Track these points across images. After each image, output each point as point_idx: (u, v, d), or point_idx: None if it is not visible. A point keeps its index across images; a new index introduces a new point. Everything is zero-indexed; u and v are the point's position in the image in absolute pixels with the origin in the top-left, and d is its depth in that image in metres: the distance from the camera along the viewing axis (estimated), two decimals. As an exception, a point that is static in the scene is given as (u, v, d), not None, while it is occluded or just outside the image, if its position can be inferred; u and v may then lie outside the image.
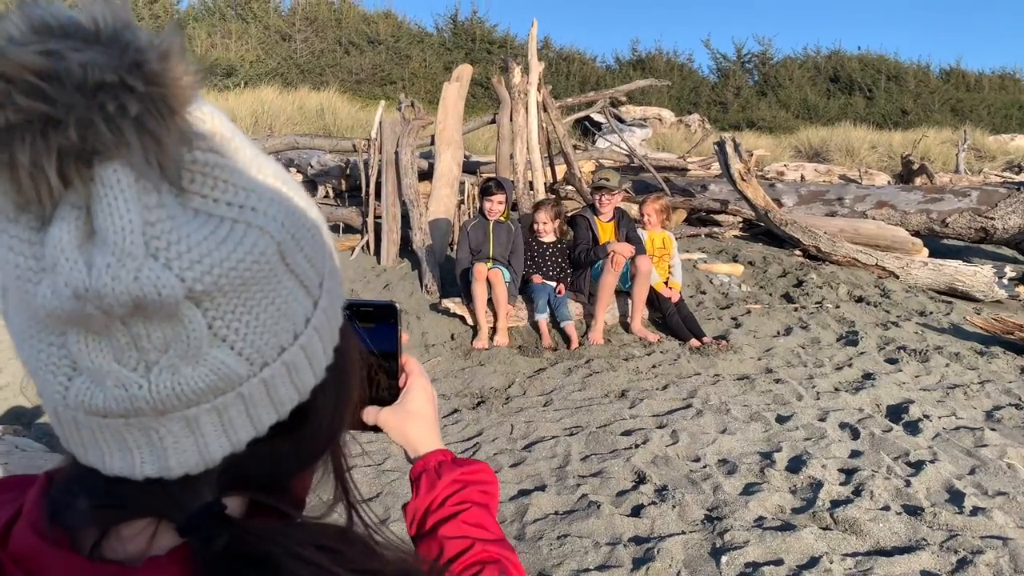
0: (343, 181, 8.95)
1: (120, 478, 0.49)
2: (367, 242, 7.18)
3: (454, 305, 5.71)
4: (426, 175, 7.65)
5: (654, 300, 5.86)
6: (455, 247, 6.20)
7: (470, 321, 5.66)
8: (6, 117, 0.39)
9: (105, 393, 0.45)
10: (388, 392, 0.86)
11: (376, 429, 0.87)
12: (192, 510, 0.49)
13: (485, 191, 5.88)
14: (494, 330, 5.55)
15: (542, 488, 3.37)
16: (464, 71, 7.62)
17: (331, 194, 9.14)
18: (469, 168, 8.70)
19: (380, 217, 7.07)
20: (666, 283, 5.99)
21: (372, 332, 0.82)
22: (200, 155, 0.44)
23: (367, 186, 7.29)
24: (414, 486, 0.86)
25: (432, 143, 7.56)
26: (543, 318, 5.62)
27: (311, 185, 9.57)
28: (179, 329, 0.45)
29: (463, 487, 0.84)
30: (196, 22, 23.41)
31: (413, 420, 0.86)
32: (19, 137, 0.39)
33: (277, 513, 0.53)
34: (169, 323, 0.44)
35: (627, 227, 5.97)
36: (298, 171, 9.75)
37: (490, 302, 5.55)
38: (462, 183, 7.42)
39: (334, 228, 7.85)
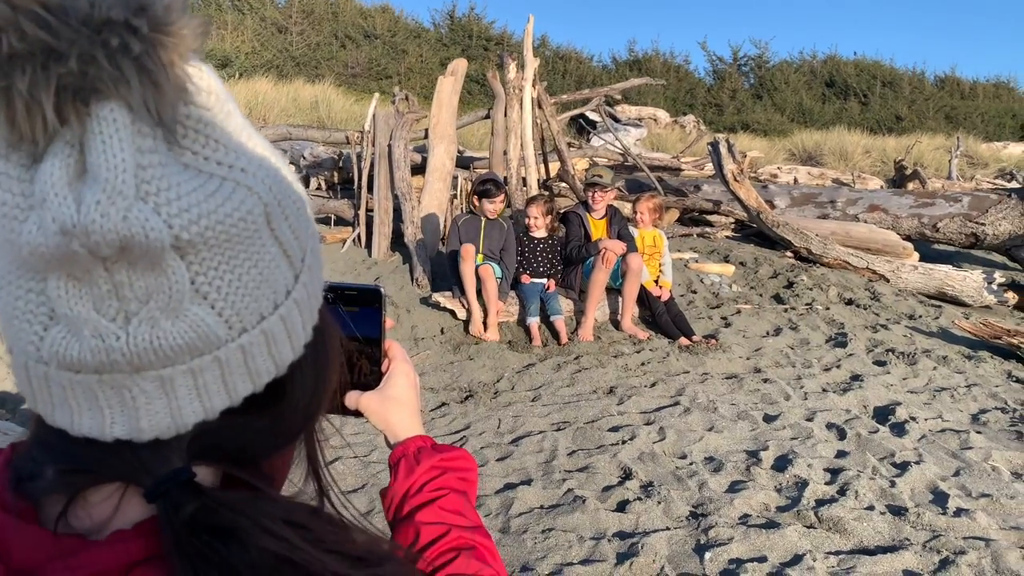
0: (336, 173, 8.92)
1: (88, 441, 0.48)
2: (359, 235, 7.15)
3: (444, 299, 5.70)
4: (419, 169, 7.63)
5: (644, 298, 5.87)
6: (446, 241, 6.18)
7: (460, 315, 5.64)
8: (9, 44, 0.39)
9: (81, 344, 0.45)
10: (370, 377, 0.85)
11: (357, 414, 0.86)
12: (161, 475, 0.48)
13: (484, 193, 5.81)
14: (485, 323, 5.54)
15: (528, 482, 3.36)
16: (459, 65, 7.60)
17: (323, 186, 9.11)
18: (463, 163, 8.68)
19: (372, 210, 7.05)
20: (656, 281, 5.99)
21: (356, 316, 0.82)
22: (195, 111, 0.45)
23: (359, 179, 7.27)
24: (392, 471, 0.85)
25: (426, 137, 7.54)
26: (534, 321, 5.61)
27: (304, 177, 9.54)
28: (162, 280, 0.44)
29: (442, 473, 0.83)
30: (192, 12, 23.31)
31: (394, 405, 0.85)
32: (20, 67, 0.39)
33: (250, 489, 0.52)
34: (152, 272, 0.44)
35: (619, 224, 5.97)
36: (291, 162, 9.70)
37: (479, 294, 5.54)
38: (455, 178, 7.41)
39: (326, 220, 7.82)
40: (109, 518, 0.50)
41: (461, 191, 7.36)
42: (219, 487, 0.53)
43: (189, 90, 0.44)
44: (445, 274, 5.95)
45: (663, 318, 5.73)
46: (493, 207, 5.78)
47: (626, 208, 7.01)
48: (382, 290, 0.82)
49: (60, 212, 0.41)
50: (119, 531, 0.49)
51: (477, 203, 5.89)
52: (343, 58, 23.20)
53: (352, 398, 0.84)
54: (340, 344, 0.67)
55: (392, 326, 0.89)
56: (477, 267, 5.51)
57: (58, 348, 0.45)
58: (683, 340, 5.50)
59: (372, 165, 7.15)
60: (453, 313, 5.69)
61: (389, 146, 7.01)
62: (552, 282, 5.88)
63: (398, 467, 0.84)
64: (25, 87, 0.39)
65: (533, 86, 7.57)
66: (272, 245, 0.50)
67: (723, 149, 7.46)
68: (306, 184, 9.34)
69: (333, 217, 7.79)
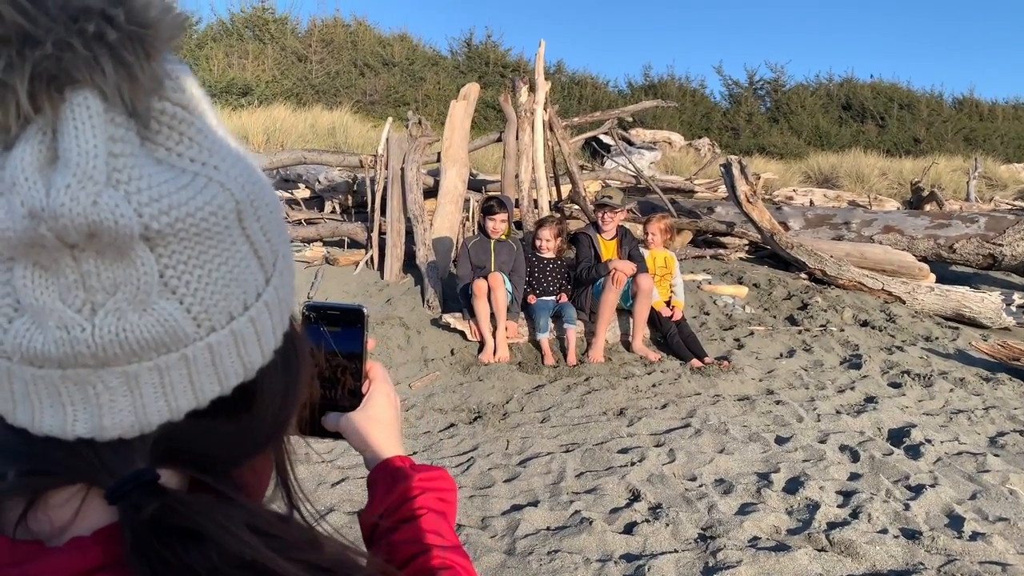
0: (350, 197, 8.99)
1: (49, 440, 0.46)
2: (371, 257, 7.19)
3: (455, 320, 5.70)
4: (432, 192, 7.68)
5: (655, 319, 5.83)
6: (456, 264, 6.20)
7: (471, 336, 5.64)
8: None
9: (45, 335, 0.43)
10: (351, 397, 0.84)
11: (337, 436, 0.84)
12: (123, 476, 0.47)
13: (487, 210, 5.89)
14: (494, 338, 5.53)
15: (535, 503, 3.33)
16: (471, 90, 7.67)
17: (338, 209, 9.19)
18: (475, 186, 8.72)
19: (385, 232, 7.09)
20: (668, 303, 5.96)
21: (338, 336, 0.81)
22: (169, 107, 0.44)
23: (373, 202, 7.32)
24: (370, 491, 0.84)
25: (438, 160, 7.60)
26: (544, 337, 5.60)
27: (318, 200, 9.62)
28: (130, 271, 0.44)
29: (420, 493, 0.82)
30: (214, 42, 23.73)
31: (373, 426, 0.84)
32: None
33: (216, 495, 0.51)
34: (120, 262, 0.43)
35: (629, 245, 5.96)
36: (306, 186, 9.80)
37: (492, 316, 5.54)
38: (467, 200, 7.44)
39: (339, 243, 7.87)
40: (70, 522, 0.48)
41: (473, 213, 7.39)
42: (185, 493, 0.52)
43: (165, 85, 0.44)
44: (456, 295, 5.95)
45: (674, 339, 5.69)
46: (494, 224, 5.80)
47: (637, 230, 7.00)
48: (364, 310, 0.82)
49: (29, 196, 0.40)
50: (77, 538, 0.47)
51: (482, 221, 5.93)
52: (361, 86, 23.48)
53: (331, 420, 0.83)
54: (312, 358, 0.66)
55: (374, 346, 0.87)
56: (487, 275, 5.52)
57: (22, 340, 0.44)
58: (695, 362, 5.45)
59: (385, 188, 7.20)
60: (463, 334, 5.68)
61: (402, 169, 7.06)
62: (564, 295, 5.88)
63: (376, 487, 0.83)
64: (0, 71, 0.39)
65: (544, 109, 7.61)
66: (243, 244, 0.49)
67: (736, 171, 7.45)
68: (320, 207, 9.42)
69: (347, 240, 7.84)
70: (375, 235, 7.22)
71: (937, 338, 6.29)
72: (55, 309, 0.43)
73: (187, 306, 0.46)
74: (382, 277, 6.90)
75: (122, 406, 0.46)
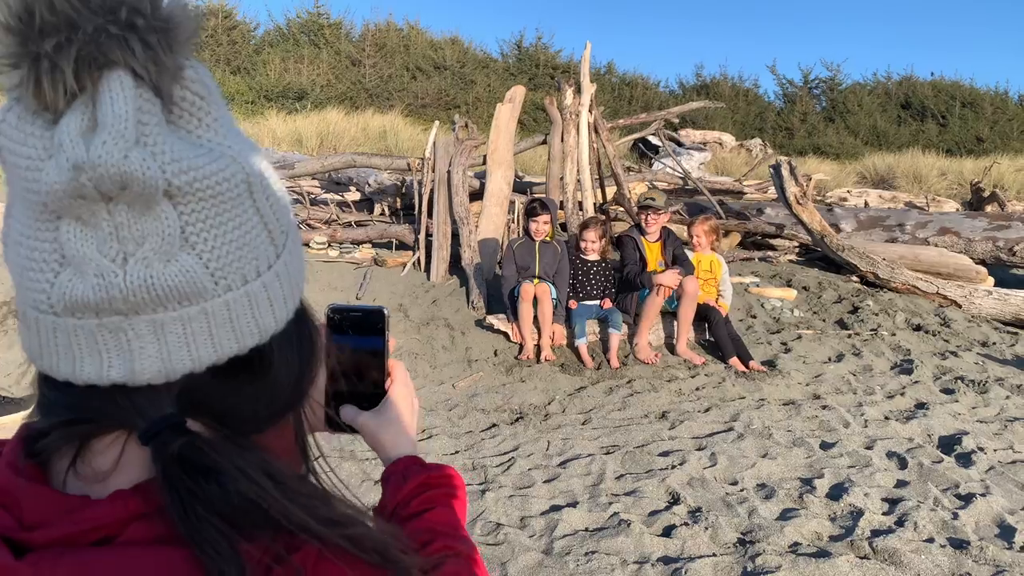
0: (398, 199, 9.12)
1: (88, 390, 0.54)
2: (418, 258, 7.29)
3: (498, 322, 5.75)
4: (477, 194, 7.74)
5: (701, 312, 5.77)
6: (501, 265, 6.25)
7: (514, 338, 5.68)
8: (41, 16, 0.48)
9: (85, 283, 0.51)
10: (372, 395, 0.87)
11: (353, 430, 0.88)
12: (153, 418, 0.53)
13: (530, 212, 5.91)
14: (538, 348, 5.56)
15: (574, 504, 3.35)
16: (517, 92, 7.71)
17: (386, 212, 9.33)
18: (520, 188, 8.77)
19: (431, 235, 7.18)
20: (716, 302, 5.92)
21: (360, 337, 0.83)
22: (189, 95, 0.53)
23: (420, 204, 7.42)
24: (383, 488, 0.87)
25: (484, 163, 7.66)
26: (583, 343, 5.62)
27: (368, 203, 9.79)
28: (156, 224, 0.51)
29: (429, 489, 0.85)
30: (271, 47, 24.29)
31: (389, 426, 0.88)
32: (48, 36, 0.48)
33: (237, 444, 0.57)
34: (148, 215, 0.51)
35: (673, 246, 5.91)
36: (356, 189, 9.98)
37: (535, 319, 5.57)
38: (512, 202, 7.49)
39: (387, 245, 8.00)
40: (112, 469, 0.55)
41: (518, 216, 7.43)
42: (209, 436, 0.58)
43: (186, 75, 0.53)
44: (500, 297, 6.00)
45: (719, 331, 5.63)
46: (536, 226, 5.82)
47: (684, 232, 6.95)
48: (385, 311, 0.84)
49: (73, 152, 0.48)
50: (119, 490, 0.54)
51: (525, 223, 5.97)
52: (413, 89, 23.75)
53: (349, 413, 0.86)
54: (337, 356, 0.74)
55: (395, 346, 0.91)
56: (533, 279, 5.56)
57: (66, 290, 0.52)
58: (739, 364, 5.40)
59: (432, 191, 7.29)
60: (507, 335, 5.73)
61: (448, 172, 7.15)
62: (608, 300, 5.88)
63: (389, 484, 0.87)
64: (51, 53, 0.48)
65: (590, 111, 7.61)
66: (254, 214, 0.56)
67: (785, 171, 7.34)
68: (370, 210, 9.58)
69: (395, 241, 7.96)
70: (422, 237, 7.32)
71: (994, 343, 6.10)
72: (93, 258, 0.51)
73: (205, 261, 0.53)
74: (428, 278, 6.99)
75: (150, 352, 0.53)
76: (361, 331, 0.83)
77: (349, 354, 0.83)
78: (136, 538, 0.52)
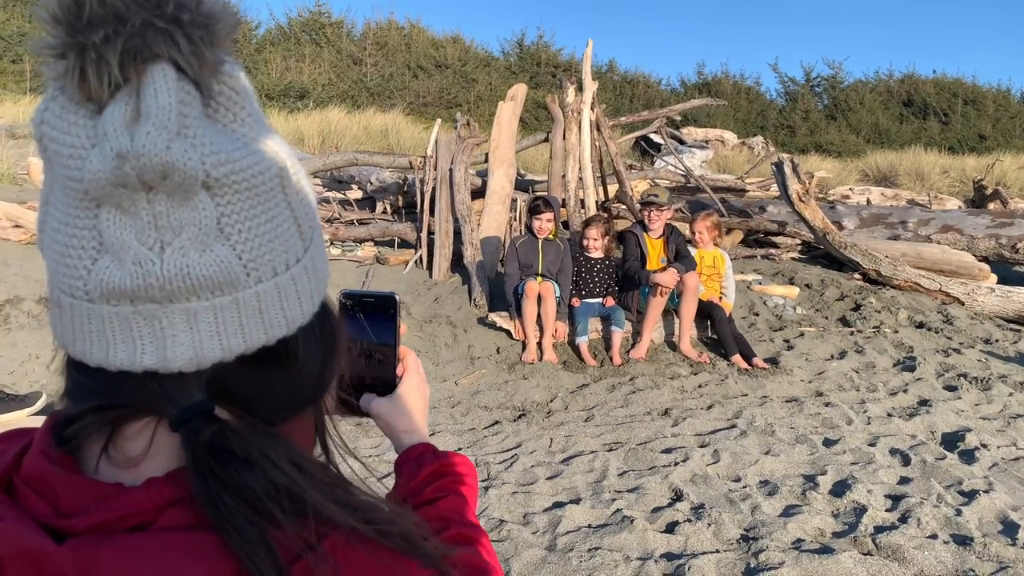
0: (400, 197, 9.13)
1: (121, 376, 0.54)
2: (420, 256, 7.29)
3: (501, 319, 5.75)
4: (479, 192, 7.74)
5: (704, 310, 5.77)
6: (504, 263, 6.25)
7: (516, 335, 5.68)
8: (91, 8, 0.49)
9: (122, 270, 0.52)
10: (385, 380, 0.89)
11: (367, 415, 0.90)
12: (184, 405, 0.54)
13: (533, 209, 5.91)
14: (540, 345, 5.56)
15: (576, 501, 3.35)
16: (519, 90, 7.71)
17: (388, 210, 9.34)
18: (522, 186, 8.77)
19: (433, 232, 7.18)
20: (719, 300, 5.91)
21: (373, 322, 0.85)
22: (226, 90, 0.54)
23: (422, 202, 7.42)
24: (397, 474, 0.89)
25: (486, 161, 7.66)
26: (584, 341, 5.62)
27: (370, 201, 9.79)
28: (193, 214, 0.53)
29: (442, 477, 0.87)
30: (273, 46, 24.28)
31: (401, 413, 0.90)
32: (96, 28, 0.49)
33: (263, 433, 0.58)
34: (186, 205, 0.53)
35: (676, 242, 5.90)
36: (359, 187, 9.98)
37: (539, 318, 5.57)
38: (514, 200, 7.49)
39: (390, 243, 8.00)
40: (143, 454, 0.56)
41: (520, 213, 7.43)
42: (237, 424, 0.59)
43: (224, 70, 0.54)
44: (503, 295, 6.00)
45: (722, 328, 5.63)
46: (540, 224, 5.82)
47: (687, 229, 6.94)
48: (397, 297, 0.86)
49: (117, 142, 0.50)
50: (152, 478, 0.55)
51: (528, 221, 5.97)
52: (415, 88, 23.75)
53: (366, 400, 0.88)
54: (350, 341, 0.75)
55: (405, 331, 0.92)
56: (537, 277, 5.56)
57: (103, 277, 0.53)
58: (741, 362, 5.39)
59: (434, 189, 7.29)
60: (509, 333, 5.73)
61: (450, 170, 7.15)
62: (610, 299, 5.88)
63: (402, 471, 0.89)
64: (98, 44, 0.49)
65: (592, 109, 7.61)
66: (285, 208, 0.58)
67: (787, 169, 7.34)
68: (372, 208, 9.59)
69: (397, 239, 7.96)
70: (424, 235, 7.32)
71: (997, 340, 6.10)
72: (131, 246, 0.52)
73: (239, 253, 0.55)
74: (430, 276, 7.00)
75: (183, 340, 0.54)
76: (373, 316, 0.85)
77: (362, 340, 0.85)
78: (171, 524, 0.53)
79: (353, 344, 0.84)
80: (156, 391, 0.55)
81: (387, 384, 0.89)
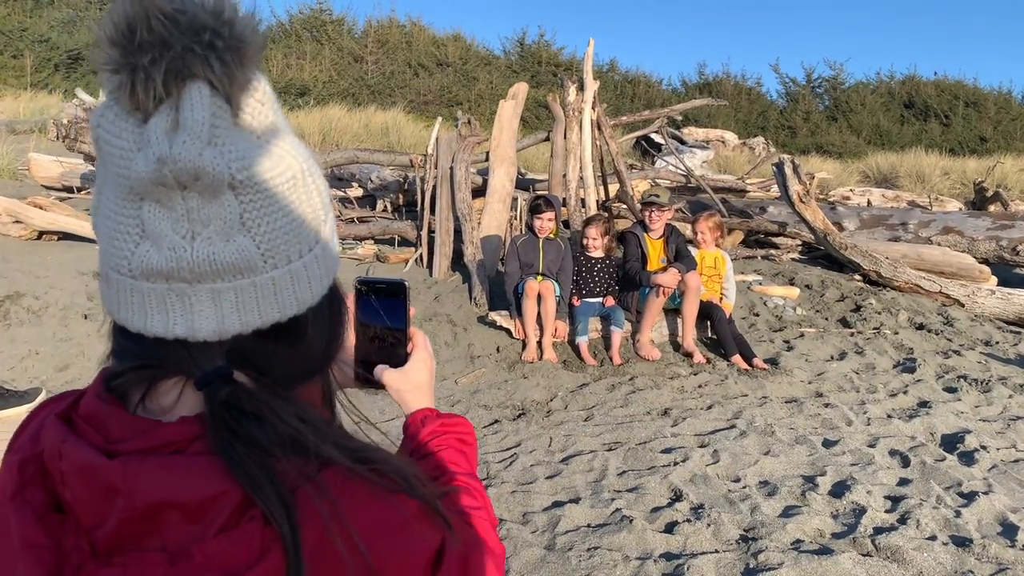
0: (401, 196, 9.12)
1: (157, 342, 0.65)
2: (420, 255, 7.29)
3: (501, 318, 5.75)
4: (480, 191, 7.74)
5: (704, 308, 5.76)
6: (505, 262, 6.24)
7: (516, 334, 5.68)
8: (141, 34, 0.58)
9: (160, 254, 0.62)
10: (397, 357, 0.99)
11: (381, 387, 1.00)
12: (207, 369, 0.65)
13: (534, 209, 5.91)
14: (540, 344, 5.56)
15: (576, 500, 3.35)
16: (520, 89, 7.70)
17: (389, 208, 9.33)
18: (523, 185, 8.76)
19: (434, 231, 7.18)
20: (720, 301, 5.90)
21: (385, 306, 0.96)
22: (253, 103, 0.64)
23: (422, 200, 7.42)
24: (404, 435, 1.01)
25: (487, 159, 7.65)
26: (583, 340, 5.61)
27: (371, 199, 9.79)
28: (220, 209, 0.62)
29: (443, 434, 0.98)
30: (273, 44, 24.24)
31: (410, 384, 1.00)
32: (145, 51, 0.59)
33: (274, 393, 0.68)
34: (214, 202, 0.62)
35: (676, 242, 5.90)
36: (359, 185, 9.97)
37: (539, 317, 5.56)
38: (515, 199, 7.48)
39: (390, 241, 8.00)
40: (173, 404, 0.67)
41: (520, 212, 7.43)
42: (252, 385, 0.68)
43: (252, 86, 0.63)
44: (503, 293, 6.00)
45: (722, 328, 5.62)
46: (541, 223, 5.81)
47: (687, 230, 6.94)
48: (406, 283, 0.96)
49: (159, 147, 0.59)
50: (184, 416, 0.65)
51: (529, 220, 5.98)
52: (416, 86, 23.73)
53: (379, 371, 0.99)
54: (356, 312, 0.92)
55: (415, 314, 1.06)
56: (537, 276, 5.55)
57: (144, 258, 0.63)
58: (741, 362, 5.39)
59: (434, 187, 7.29)
60: (509, 332, 5.73)
61: (451, 169, 7.14)
62: (611, 298, 5.87)
63: (407, 431, 1.00)
64: (147, 65, 0.59)
65: (593, 108, 7.60)
66: (299, 205, 0.67)
67: (788, 169, 7.33)
68: (372, 206, 9.58)
69: (397, 238, 7.96)
70: (424, 233, 7.31)
71: (997, 342, 6.10)
72: (167, 235, 0.62)
73: (258, 243, 0.65)
74: (431, 275, 6.99)
75: (208, 315, 0.64)
76: (386, 301, 0.95)
77: (376, 323, 0.96)
78: (200, 450, 0.63)
79: (368, 327, 0.95)
80: (185, 356, 0.65)
81: (399, 361, 0.99)
